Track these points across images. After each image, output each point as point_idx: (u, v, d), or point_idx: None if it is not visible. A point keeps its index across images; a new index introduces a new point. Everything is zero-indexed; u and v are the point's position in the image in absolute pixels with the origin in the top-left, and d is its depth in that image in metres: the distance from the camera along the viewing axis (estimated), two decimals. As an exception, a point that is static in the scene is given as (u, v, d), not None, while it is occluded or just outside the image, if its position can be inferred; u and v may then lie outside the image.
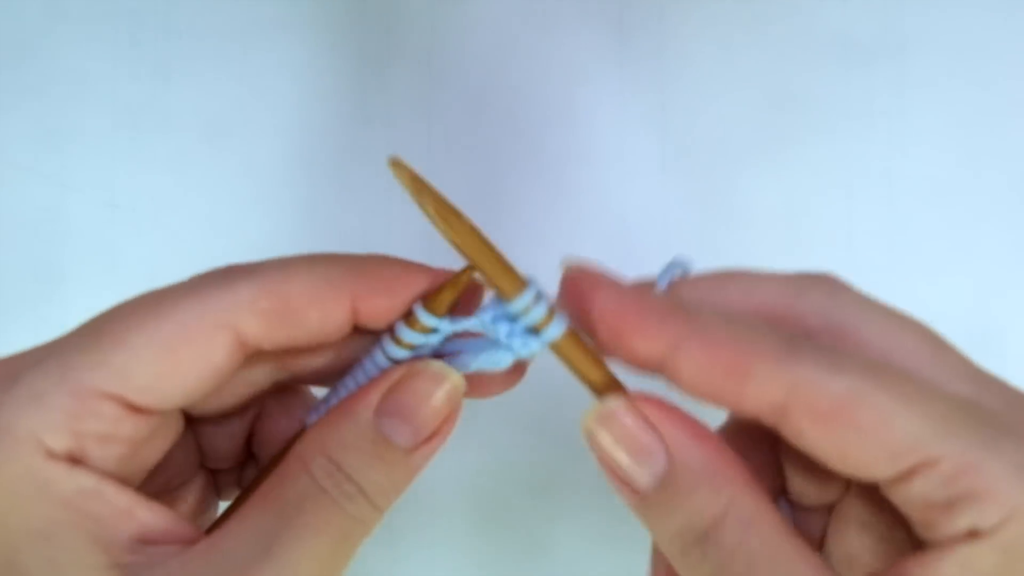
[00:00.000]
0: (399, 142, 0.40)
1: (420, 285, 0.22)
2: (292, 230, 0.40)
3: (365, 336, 0.23)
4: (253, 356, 0.22)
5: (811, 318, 0.21)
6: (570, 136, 0.39)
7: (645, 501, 0.21)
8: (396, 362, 0.23)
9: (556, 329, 0.22)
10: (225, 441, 0.26)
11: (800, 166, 0.38)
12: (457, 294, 0.22)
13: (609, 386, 0.22)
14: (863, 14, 0.38)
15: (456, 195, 0.41)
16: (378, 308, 0.22)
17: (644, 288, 0.23)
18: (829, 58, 0.38)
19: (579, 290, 0.22)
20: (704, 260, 0.38)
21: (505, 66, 0.39)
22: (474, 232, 0.22)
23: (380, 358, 0.23)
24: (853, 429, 0.19)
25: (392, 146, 0.40)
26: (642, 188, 0.39)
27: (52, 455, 0.20)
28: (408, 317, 0.22)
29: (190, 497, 0.26)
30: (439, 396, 0.22)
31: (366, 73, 0.40)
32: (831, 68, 0.38)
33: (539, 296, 0.22)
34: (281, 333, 0.21)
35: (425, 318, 0.22)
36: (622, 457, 0.21)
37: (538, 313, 0.22)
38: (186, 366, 0.21)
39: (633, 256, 0.39)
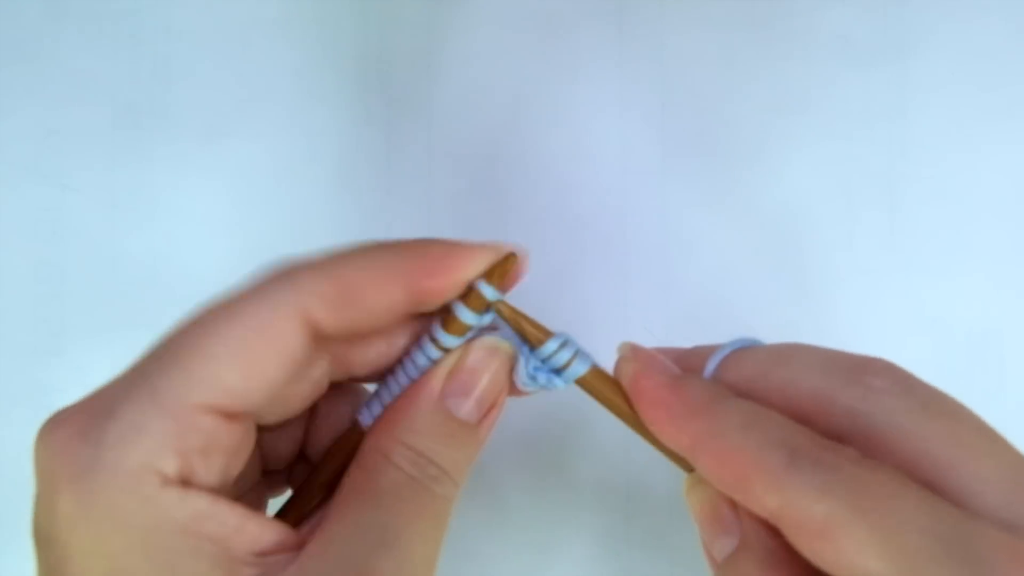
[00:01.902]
0: (399, 142, 0.40)
1: (468, 263, 0.24)
2: (292, 230, 0.40)
3: (413, 332, 0.25)
4: (319, 346, 0.23)
5: (843, 419, 0.22)
6: (570, 136, 0.39)
7: (716, 569, 0.22)
8: (444, 351, 0.24)
9: (581, 366, 0.25)
10: (285, 445, 0.27)
11: (800, 166, 0.38)
12: (500, 282, 0.24)
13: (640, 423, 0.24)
14: (863, 14, 0.38)
15: (456, 195, 0.41)
16: (431, 286, 0.23)
17: (686, 376, 0.24)
18: (829, 58, 0.38)
19: (627, 373, 0.24)
20: (704, 260, 0.38)
21: (505, 66, 0.39)
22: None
23: (430, 348, 0.24)
24: (834, 549, 0.19)
25: (392, 146, 0.40)
26: (642, 188, 0.39)
27: (167, 481, 0.20)
28: (465, 296, 0.24)
29: (254, 501, 0.26)
30: (495, 367, 0.24)
31: (366, 73, 0.40)
32: (831, 68, 0.38)
33: (568, 343, 0.25)
34: (345, 315, 0.23)
35: (487, 291, 0.24)
36: (704, 525, 0.23)
37: (562, 356, 0.25)
38: (267, 360, 0.22)
39: (633, 256, 0.39)
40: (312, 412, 0.27)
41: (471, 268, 0.24)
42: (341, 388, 0.27)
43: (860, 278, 0.38)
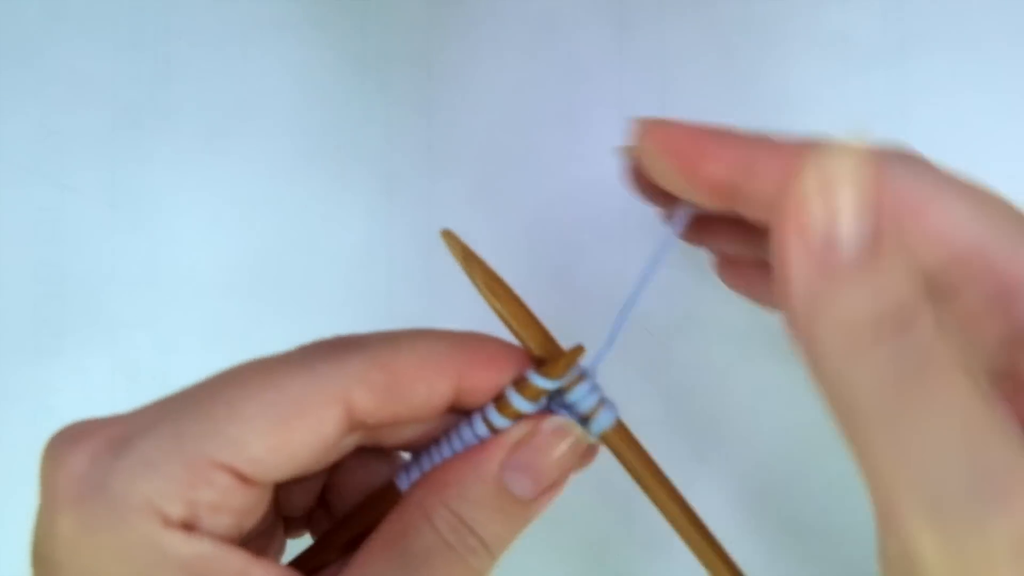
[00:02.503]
0: (399, 142, 0.40)
1: (520, 363, 0.23)
2: (292, 230, 0.40)
3: (447, 416, 0.24)
4: (354, 429, 0.22)
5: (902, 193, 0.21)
6: (570, 136, 0.39)
7: (837, 275, 0.18)
8: (494, 430, 0.23)
9: (607, 419, 0.24)
10: (303, 496, 0.26)
11: (800, 166, 0.38)
12: (570, 366, 0.23)
13: (660, 481, 0.24)
14: (863, 14, 0.38)
15: (456, 195, 0.41)
16: (480, 382, 0.23)
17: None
18: (829, 58, 0.38)
19: (649, 130, 0.23)
20: (704, 259, 0.38)
21: (505, 66, 0.39)
22: (520, 305, 0.24)
23: (479, 426, 0.23)
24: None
25: (392, 146, 0.40)
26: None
27: (168, 522, 0.20)
28: (519, 383, 0.23)
29: (268, 547, 0.26)
30: (563, 450, 0.23)
31: (366, 73, 0.40)
32: (831, 68, 0.38)
33: (587, 377, 0.24)
34: (389, 406, 0.22)
35: (540, 382, 0.23)
36: (836, 205, 0.18)
37: (589, 401, 0.24)
38: (298, 439, 0.21)
39: (633, 256, 0.39)
40: (336, 465, 0.26)
41: (516, 366, 0.23)
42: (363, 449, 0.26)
43: (860, 278, 0.38)
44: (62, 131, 0.40)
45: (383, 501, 0.25)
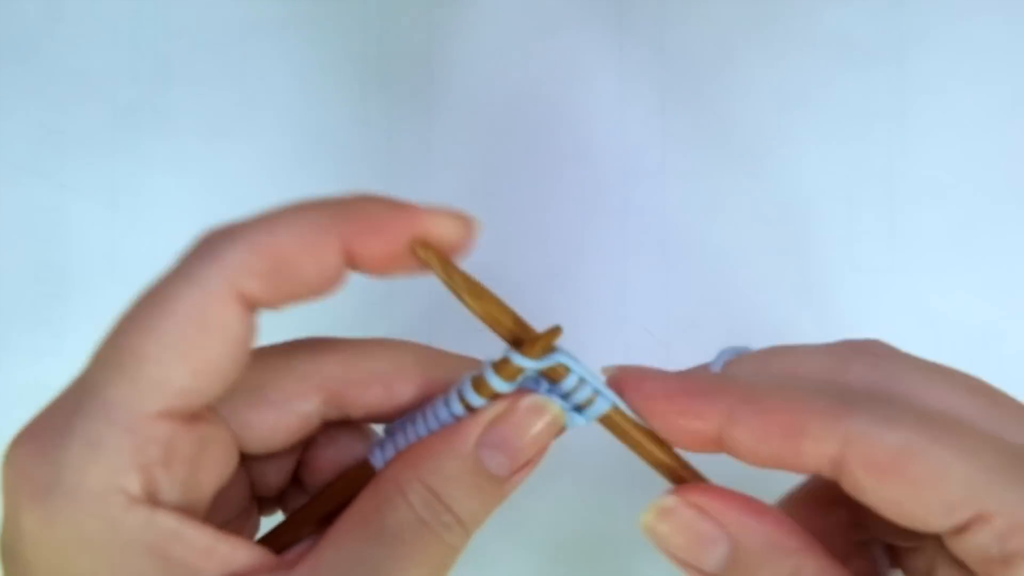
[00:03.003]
0: (399, 142, 0.40)
1: (411, 224, 0.22)
2: (292, 230, 0.40)
3: (417, 383, 0.24)
4: (258, 307, 0.22)
5: (858, 386, 0.22)
6: (570, 136, 0.39)
7: None
8: (470, 409, 0.23)
9: (602, 404, 0.23)
10: (275, 474, 0.26)
11: (801, 166, 0.38)
12: (547, 346, 0.23)
13: (670, 463, 0.23)
14: (863, 14, 0.38)
15: (456, 195, 0.41)
16: (370, 249, 0.22)
17: (692, 371, 0.24)
18: (829, 58, 0.38)
19: (625, 385, 0.23)
20: (704, 260, 0.38)
21: (505, 66, 0.39)
22: (503, 307, 0.23)
23: (455, 404, 0.23)
24: (908, 482, 0.19)
25: (392, 146, 0.40)
26: (642, 188, 0.39)
27: (132, 500, 0.20)
28: (496, 363, 0.23)
29: (243, 527, 0.26)
30: (539, 427, 0.23)
31: (366, 73, 0.40)
32: (831, 68, 0.38)
33: (573, 365, 0.23)
34: (283, 287, 0.21)
35: (519, 360, 0.22)
36: (686, 548, 0.22)
37: (583, 392, 0.23)
38: (211, 350, 0.21)
39: (633, 256, 0.39)
40: (310, 442, 0.26)
41: (408, 228, 0.22)
42: (346, 423, 0.26)
43: (860, 278, 0.38)
44: (62, 131, 0.40)
45: (357, 478, 0.24)
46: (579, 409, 0.24)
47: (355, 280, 0.41)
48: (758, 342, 0.38)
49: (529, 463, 0.23)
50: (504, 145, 0.39)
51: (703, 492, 0.22)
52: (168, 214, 0.40)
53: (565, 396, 0.23)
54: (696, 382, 0.22)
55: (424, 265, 0.22)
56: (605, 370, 0.24)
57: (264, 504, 0.27)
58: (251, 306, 0.21)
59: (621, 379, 0.24)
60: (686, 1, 0.39)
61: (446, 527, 0.22)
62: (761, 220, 0.38)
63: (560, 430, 0.24)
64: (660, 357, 0.38)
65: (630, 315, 0.38)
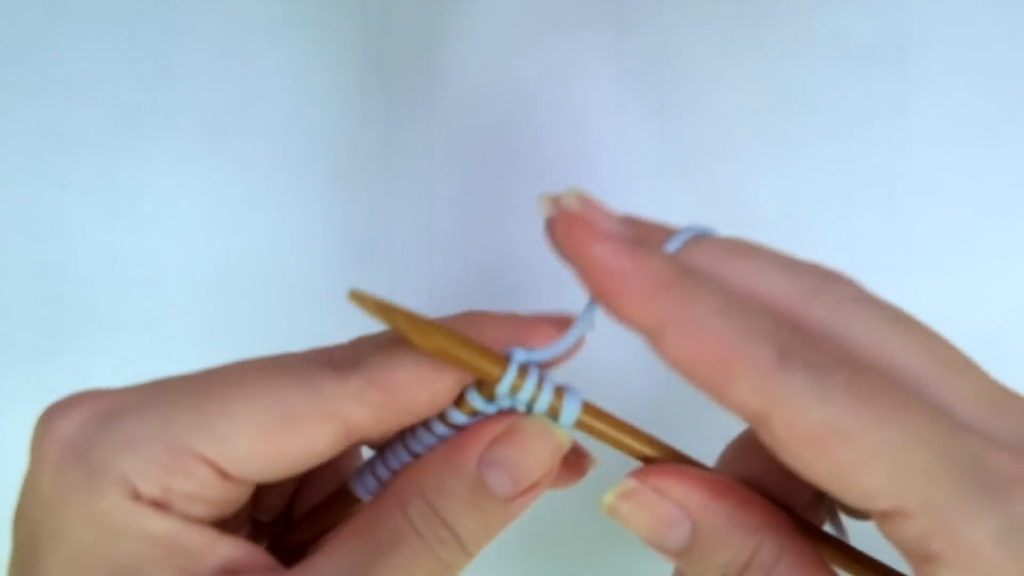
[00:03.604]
0: (399, 142, 0.40)
1: (521, 338, 0.23)
2: (292, 230, 0.40)
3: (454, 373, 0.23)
4: (357, 440, 0.22)
5: (815, 323, 0.20)
6: (570, 136, 0.39)
7: (679, 558, 0.22)
8: (455, 428, 0.23)
9: (572, 408, 0.22)
10: (276, 498, 0.26)
11: (800, 166, 0.38)
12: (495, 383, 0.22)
13: (653, 455, 0.23)
14: (863, 14, 0.38)
15: (456, 196, 0.41)
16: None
17: (645, 244, 0.21)
18: (829, 58, 0.38)
19: (573, 233, 0.21)
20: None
21: (505, 66, 0.39)
22: (447, 335, 0.22)
23: (438, 426, 0.23)
24: (828, 460, 0.18)
25: (392, 146, 0.40)
26: (642, 188, 0.39)
27: (139, 498, 0.20)
28: (460, 401, 0.22)
29: (236, 532, 0.26)
30: (543, 451, 0.22)
31: (366, 73, 0.40)
32: (831, 68, 0.38)
33: (529, 372, 0.22)
34: (389, 419, 0.22)
35: (476, 401, 0.22)
36: (648, 527, 0.21)
37: (543, 400, 0.22)
38: (286, 448, 0.21)
39: (633, 256, 0.38)
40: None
41: (525, 343, 0.22)
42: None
43: (860, 278, 0.38)
44: (62, 131, 0.40)
45: (337, 506, 0.24)
46: (553, 416, 0.23)
47: (353, 281, 0.41)
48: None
49: (534, 487, 0.22)
50: (504, 145, 0.39)
51: (663, 473, 0.22)
52: (168, 214, 0.40)
53: (530, 409, 0.23)
54: (643, 266, 0.20)
55: (364, 310, 0.21)
56: (542, 199, 0.22)
57: (258, 533, 0.27)
58: (349, 434, 0.21)
59: (570, 222, 0.21)
60: (686, 1, 0.39)
61: (441, 542, 0.22)
62: (761, 220, 0.38)
63: (575, 466, 0.23)
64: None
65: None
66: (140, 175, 0.40)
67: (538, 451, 0.22)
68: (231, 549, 0.21)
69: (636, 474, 0.22)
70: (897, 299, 0.38)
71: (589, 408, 0.23)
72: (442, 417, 0.23)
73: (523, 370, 0.22)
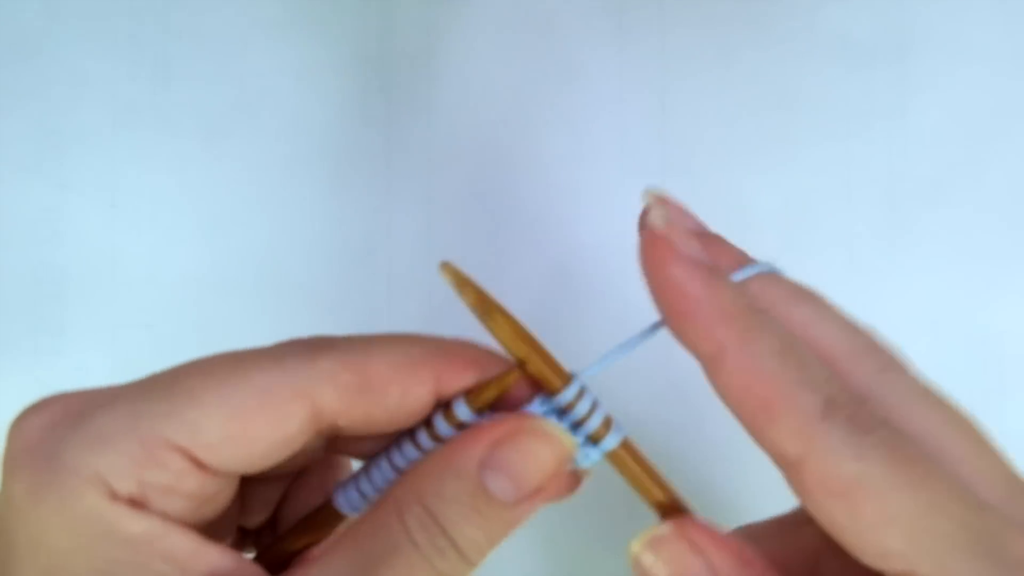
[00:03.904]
0: (399, 142, 0.40)
1: (498, 369, 0.22)
2: (292, 230, 0.40)
3: (432, 381, 0.23)
4: (324, 433, 0.22)
5: (861, 382, 0.21)
6: (570, 136, 0.39)
7: None
8: (426, 452, 0.22)
9: (613, 440, 0.23)
10: (262, 504, 0.26)
11: (800, 166, 0.38)
12: (500, 392, 0.22)
13: (668, 503, 0.23)
14: (863, 14, 0.38)
15: (456, 196, 0.41)
16: (459, 386, 0.22)
17: (719, 273, 0.22)
18: (829, 58, 0.38)
19: (654, 252, 0.22)
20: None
21: (505, 66, 0.39)
22: (518, 328, 0.22)
23: (423, 438, 0.22)
24: (854, 514, 0.19)
25: (392, 146, 0.40)
26: (642, 188, 0.39)
27: (115, 497, 0.20)
28: (446, 410, 0.22)
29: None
30: (547, 455, 0.22)
31: (366, 73, 0.40)
32: (831, 68, 0.38)
33: (585, 393, 0.22)
34: (359, 408, 0.21)
35: (462, 412, 0.22)
36: None
37: (595, 421, 0.22)
38: (257, 431, 0.21)
39: (633, 256, 0.38)
40: (298, 476, 0.26)
41: (494, 374, 0.22)
42: (328, 460, 0.26)
43: (860, 278, 0.38)
44: (62, 131, 0.40)
45: (321, 519, 0.24)
46: (592, 442, 0.23)
47: (353, 280, 0.41)
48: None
49: (539, 492, 0.22)
50: (504, 145, 0.39)
51: (695, 527, 0.22)
52: (168, 214, 0.40)
53: (575, 426, 0.22)
54: (714, 293, 0.21)
55: (448, 281, 0.22)
56: (646, 195, 0.23)
57: (245, 542, 0.27)
58: (318, 417, 0.21)
59: (656, 241, 0.22)
60: (686, 1, 0.39)
61: (439, 551, 0.21)
62: (760, 220, 0.38)
63: (570, 461, 0.23)
64: (660, 357, 0.38)
65: (630, 315, 0.38)
66: (140, 175, 0.40)
67: (543, 455, 0.22)
68: (217, 557, 0.21)
69: (670, 523, 0.22)
70: (897, 299, 0.38)
71: (627, 444, 0.23)
72: (428, 428, 0.22)
73: (580, 392, 0.22)
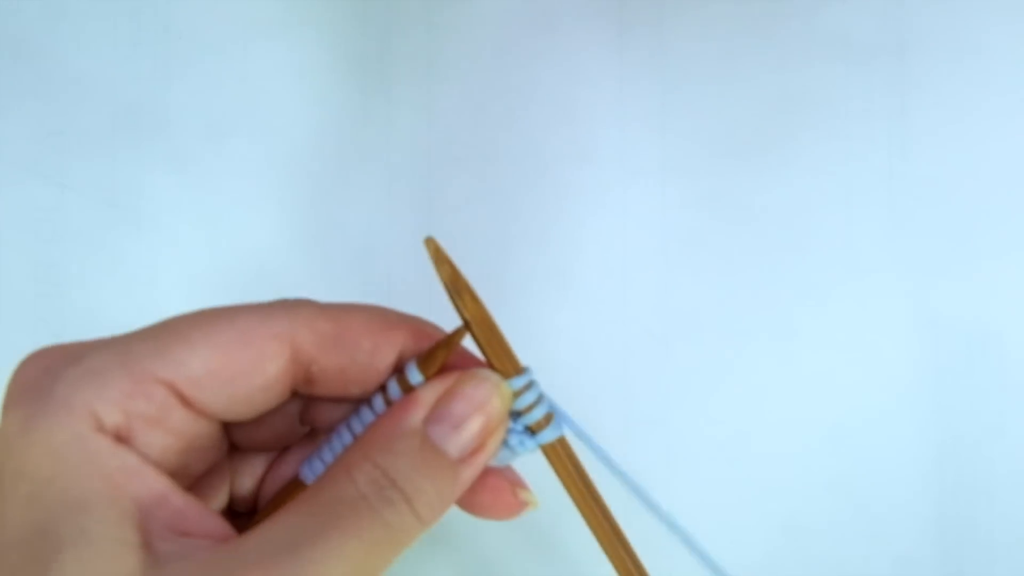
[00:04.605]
0: (399, 142, 0.40)
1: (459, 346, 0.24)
2: (292, 230, 0.40)
3: (401, 339, 0.25)
4: (298, 380, 0.23)
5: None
6: (570, 136, 0.39)
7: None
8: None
9: (550, 435, 0.24)
10: (248, 477, 0.26)
11: (800, 166, 0.38)
12: (447, 355, 0.23)
13: (594, 499, 0.24)
14: (863, 14, 0.38)
15: (456, 196, 0.41)
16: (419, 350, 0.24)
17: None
18: (829, 58, 0.38)
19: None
20: (704, 260, 0.38)
21: (505, 66, 0.39)
22: (483, 312, 0.23)
23: (378, 403, 0.24)
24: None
25: (392, 146, 0.40)
26: (642, 188, 0.39)
27: (101, 428, 0.21)
28: (399, 374, 0.23)
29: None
30: (484, 396, 0.23)
31: (366, 73, 0.40)
32: (831, 68, 0.38)
33: (533, 385, 0.24)
34: (333, 356, 0.23)
35: (414, 377, 0.23)
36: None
37: (537, 413, 0.24)
38: (239, 367, 0.22)
39: (634, 256, 0.39)
40: (274, 462, 0.27)
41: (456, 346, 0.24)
42: (300, 442, 0.27)
43: (860, 278, 0.38)
44: (62, 131, 0.40)
45: (291, 495, 0.24)
46: (532, 432, 0.24)
47: (353, 280, 0.41)
48: (758, 341, 0.38)
49: (481, 448, 0.23)
50: (504, 145, 0.39)
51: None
52: (168, 214, 0.40)
53: (517, 415, 0.24)
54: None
55: (430, 255, 0.23)
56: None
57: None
58: (296, 360, 0.23)
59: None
60: (686, 1, 0.39)
61: (388, 503, 0.21)
62: (761, 220, 0.38)
63: (509, 404, 0.24)
64: (660, 357, 0.38)
65: (630, 315, 0.38)
66: (140, 175, 0.40)
67: (479, 397, 0.23)
68: (183, 505, 0.21)
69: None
70: (897, 299, 0.38)
71: (563, 443, 0.24)
72: (383, 392, 0.23)
73: (528, 384, 0.24)
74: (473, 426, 0.23)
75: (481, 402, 0.23)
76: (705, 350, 0.38)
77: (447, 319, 0.40)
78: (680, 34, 0.39)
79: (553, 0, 0.39)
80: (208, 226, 0.40)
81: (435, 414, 0.23)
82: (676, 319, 0.38)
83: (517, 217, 0.39)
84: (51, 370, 0.21)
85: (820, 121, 0.38)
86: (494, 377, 0.23)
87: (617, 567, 0.25)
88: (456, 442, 0.22)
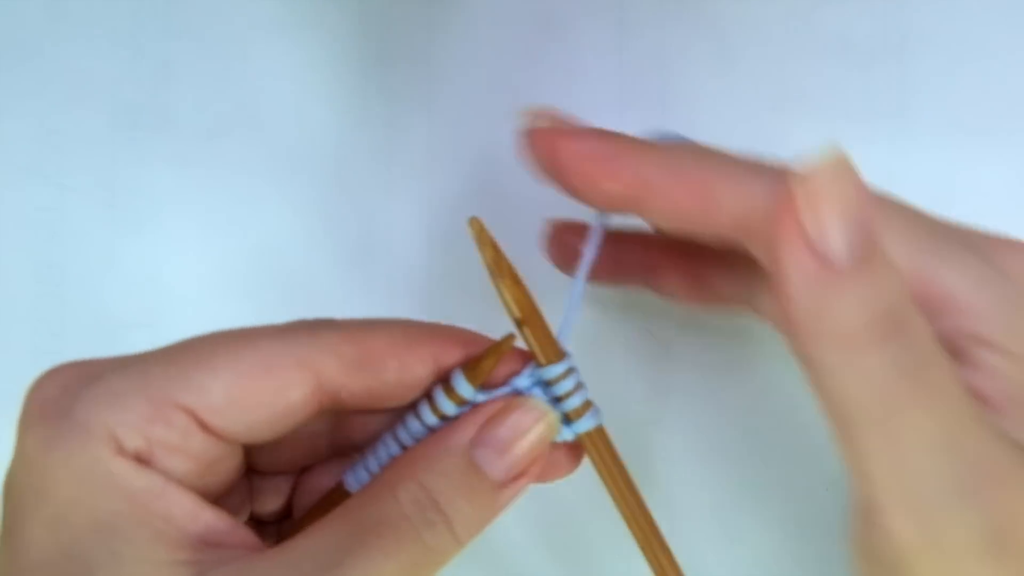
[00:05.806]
0: (399, 142, 0.40)
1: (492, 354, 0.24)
2: (292, 230, 0.40)
3: (431, 358, 0.24)
4: (327, 406, 0.23)
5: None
6: (570, 136, 0.39)
7: (834, 282, 0.19)
8: (431, 428, 0.23)
9: (587, 423, 0.24)
10: (272, 496, 0.26)
11: (800, 166, 0.38)
12: (497, 361, 0.23)
13: (631, 492, 0.24)
14: (863, 14, 0.38)
15: (456, 196, 0.41)
16: (456, 362, 0.24)
17: (610, 133, 0.24)
18: (829, 58, 0.38)
19: (547, 138, 0.24)
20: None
21: (505, 66, 0.39)
22: (525, 293, 0.24)
23: (427, 414, 0.23)
24: (770, 247, 0.19)
25: (392, 146, 0.40)
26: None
27: (122, 452, 0.20)
28: (446, 385, 0.23)
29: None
30: (529, 424, 0.23)
31: (366, 73, 0.40)
32: (831, 68, 0.38)
33: (573, 372, 0.24)
34: (360, 381, 0.22)
35: (463, 388, 0.23)
36: (828, 217, 0.19)
37: (575, 400, 0.24)
38: (261, 396, 0.22)
39: (633, 256, 0.38)
40: (304, 472, 0.26)
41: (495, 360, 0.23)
42: (334, 452, 0.26)
43: (860, 278, 0.38)
44: (62, 131, 0.40)
45: (332, 503, 0.24)
46: (568, 420, 0.24)
47: (353, 280, 0.41)
48: (760, 341, 0.38)
49: (525, 472, 0.23)
50: (504, 145, 0.39)
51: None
52: (168, 214, 0.40)
53: (556, 401, 0.24)
54: (615, 144, 0.23)
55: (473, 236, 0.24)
56: (520, 115, 0.24)
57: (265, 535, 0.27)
58: (320, 387, 0.22)
59: (537, 135, 0.24)
60: (686, 1, 0.39)
61: (429, 525, 0.21)
62: (761, 220, 0.38)
63: (554, 434, 0.24)
64: (660, 357, 0.38)
65: (630, 315, 0.38)
66: (139, 175, 0.40)
67: (525, 425, 0.23)
68: (214, 519, 0.21)
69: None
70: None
71: (601, 432, 0.24)
72: (431, 404, 0.23)
73: (568, 370, 0.24)
74: (518, 452, 0.23)
75: (527, 429, 0.23)
76: (706, 350, 0.38)
77: (448, 318, 0.40)
78: (680, 34, 0.39)
79: (553, 0, 0.39)
80: (208, 226, 0.40)
81: (481, 437, 0.23)
82: (676, 318, 0.38)
83: (517, 217, 0.39)
84: (69, 390, 0.21)
85: (820, 121, 0.38)
86: (542, 405, 0.23)
87: (651, 563, 0.25)
88: (500, 466, 0.22)
